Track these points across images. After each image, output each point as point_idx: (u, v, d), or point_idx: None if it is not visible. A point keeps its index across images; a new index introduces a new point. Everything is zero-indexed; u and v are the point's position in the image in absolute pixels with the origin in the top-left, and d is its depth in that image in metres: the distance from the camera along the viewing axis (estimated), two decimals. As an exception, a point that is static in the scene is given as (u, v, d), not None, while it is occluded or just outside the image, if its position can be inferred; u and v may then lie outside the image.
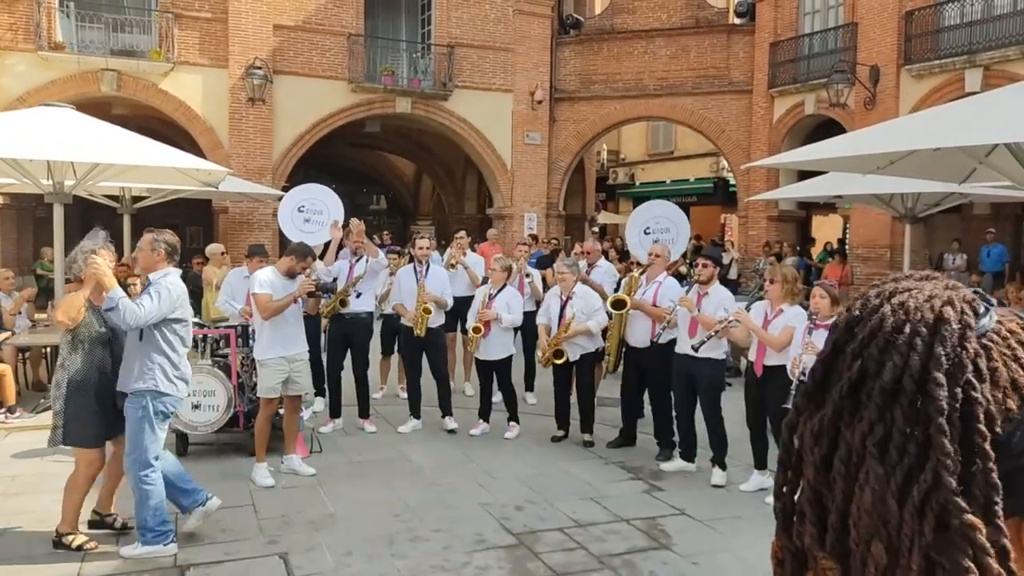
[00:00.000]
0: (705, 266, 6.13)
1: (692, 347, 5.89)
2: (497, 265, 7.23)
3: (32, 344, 8.74)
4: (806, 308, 5.64)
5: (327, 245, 7.97)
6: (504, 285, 7.20)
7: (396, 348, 8.47)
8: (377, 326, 8.28)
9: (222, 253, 10.57)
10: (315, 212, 9.76)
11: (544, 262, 11.14)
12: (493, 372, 7.23)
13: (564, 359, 6.81)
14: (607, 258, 10.05)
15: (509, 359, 7.26)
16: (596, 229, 23.16)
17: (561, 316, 6.84)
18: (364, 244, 7.45)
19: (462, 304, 7.89)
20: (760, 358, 5.61)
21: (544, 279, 9.32)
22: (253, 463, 5.90)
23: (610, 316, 6.89)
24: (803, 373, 5.16)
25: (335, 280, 6.65)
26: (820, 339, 5.16)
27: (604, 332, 7.11)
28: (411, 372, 7.45)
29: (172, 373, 4.54)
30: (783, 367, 5.49)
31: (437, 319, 7.34)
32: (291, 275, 5.92)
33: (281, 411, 6.70)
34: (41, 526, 4.91)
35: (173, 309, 4.51)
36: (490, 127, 18.43)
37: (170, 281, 4.54)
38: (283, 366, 5.86)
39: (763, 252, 16.73)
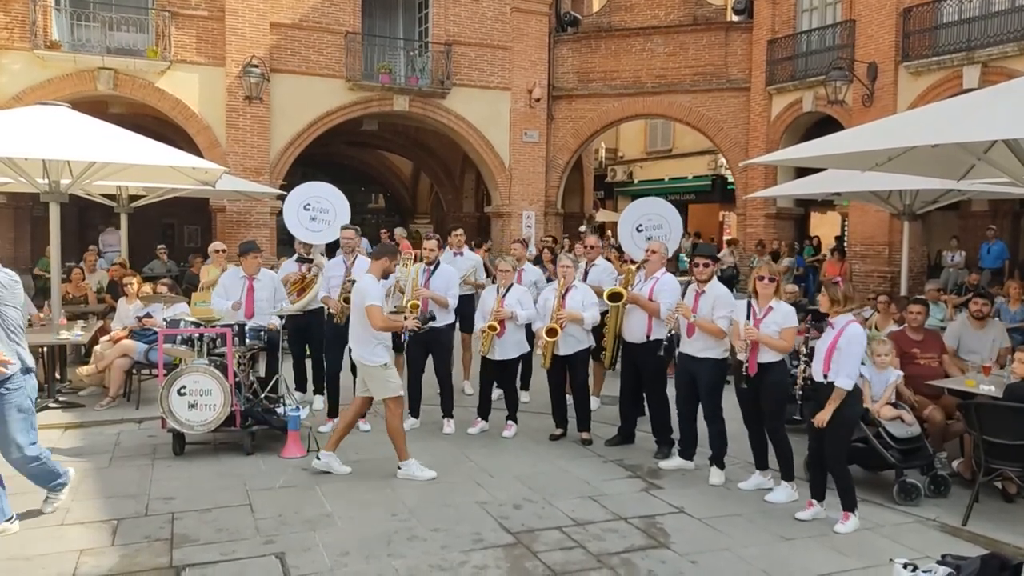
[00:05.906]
0: (706, 265, 6.11)
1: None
2: (507, 264, 7.20)
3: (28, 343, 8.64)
4: (803, 307, 5.64)
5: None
6: (511, 284, 7.17)
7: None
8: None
9: (217, 251, 10.27)
10: (321, 210, 9.71)
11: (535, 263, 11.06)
12: (500, 372, 7.19)
13: (556, 337, 6.72)
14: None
15: (520, 359, 7.24)
16: (583, 229, 22.76)
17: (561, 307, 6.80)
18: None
19: (461, 304, 7.85)
20: (754, 356, 5.57)
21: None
22: (331, 461, 5.99)
23: (606, 311, 6.87)
24: (806, 381, 5.16)
25: (433, 316, 6.90)
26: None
27: (600, 330, 7.10)
28: (413, 371, 7.41)
29: None
30: (775, 364, 5.48)
31: (444, 318, 7.27)
32: (387, 276, 6.11)
33: (279, 409, 6.71)
34: (36, 525, 4.91)
35: None
36: (488, 125, 18.41)
37: None
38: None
39: (755, 250, 16.70)
